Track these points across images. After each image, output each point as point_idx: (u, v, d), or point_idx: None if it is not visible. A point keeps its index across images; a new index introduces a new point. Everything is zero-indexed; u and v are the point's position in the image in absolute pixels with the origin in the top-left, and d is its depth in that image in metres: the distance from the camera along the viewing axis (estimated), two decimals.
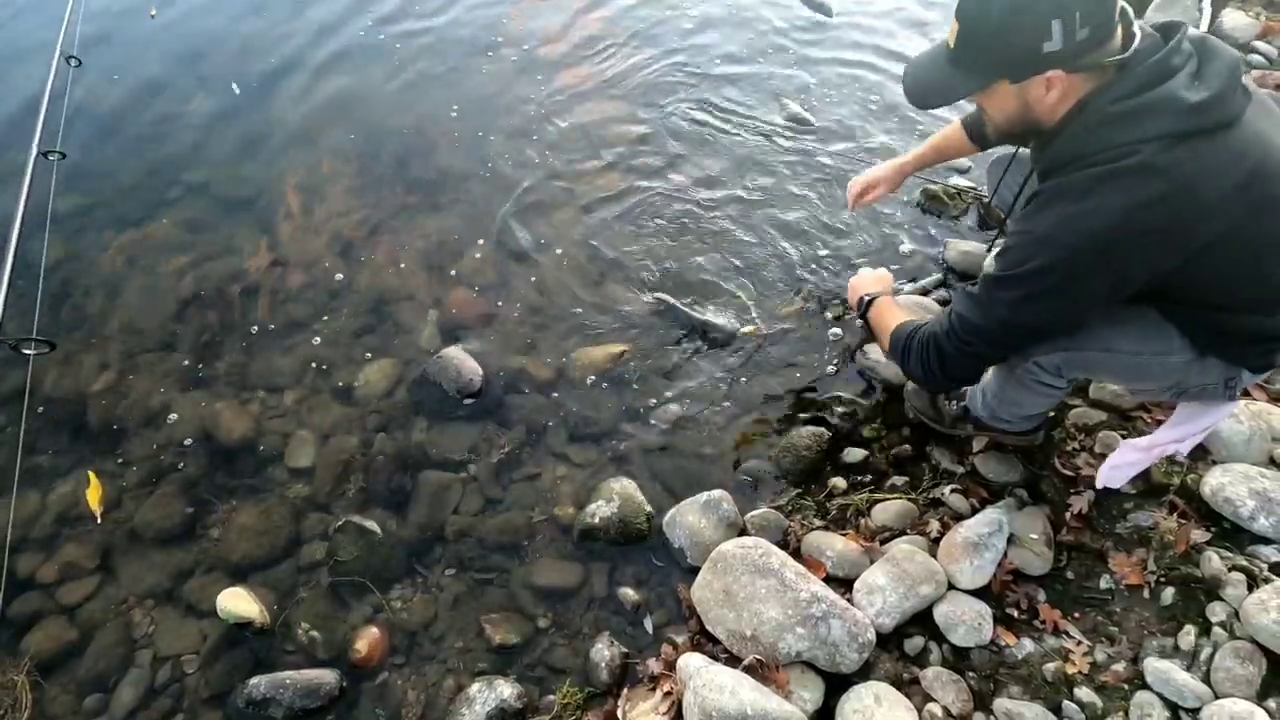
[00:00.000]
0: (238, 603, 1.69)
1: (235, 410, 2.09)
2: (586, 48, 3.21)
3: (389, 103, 2.98)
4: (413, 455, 1.99)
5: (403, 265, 2.42)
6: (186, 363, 2.20)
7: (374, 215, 2.58)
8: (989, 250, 2.08)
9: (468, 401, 2.07)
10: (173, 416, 2.08)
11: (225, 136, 2.86)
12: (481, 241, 2.48)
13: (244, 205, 2.63)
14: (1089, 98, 1.23)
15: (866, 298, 1.78)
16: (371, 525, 1.85)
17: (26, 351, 1.50)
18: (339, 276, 2.40)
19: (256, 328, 2.27)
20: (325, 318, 2.29)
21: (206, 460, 2.00)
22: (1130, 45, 1.19)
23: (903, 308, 1.72)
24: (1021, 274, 1.27)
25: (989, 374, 1.66)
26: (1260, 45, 2.99)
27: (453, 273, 2.39)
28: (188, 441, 2.03)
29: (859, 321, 1.92)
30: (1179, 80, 1.17)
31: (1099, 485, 1.69)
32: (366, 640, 1.66)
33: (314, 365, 2.19)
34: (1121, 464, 1.66)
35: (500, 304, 2.31)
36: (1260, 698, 1.40)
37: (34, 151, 1.83)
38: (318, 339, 2.24)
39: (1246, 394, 1.80)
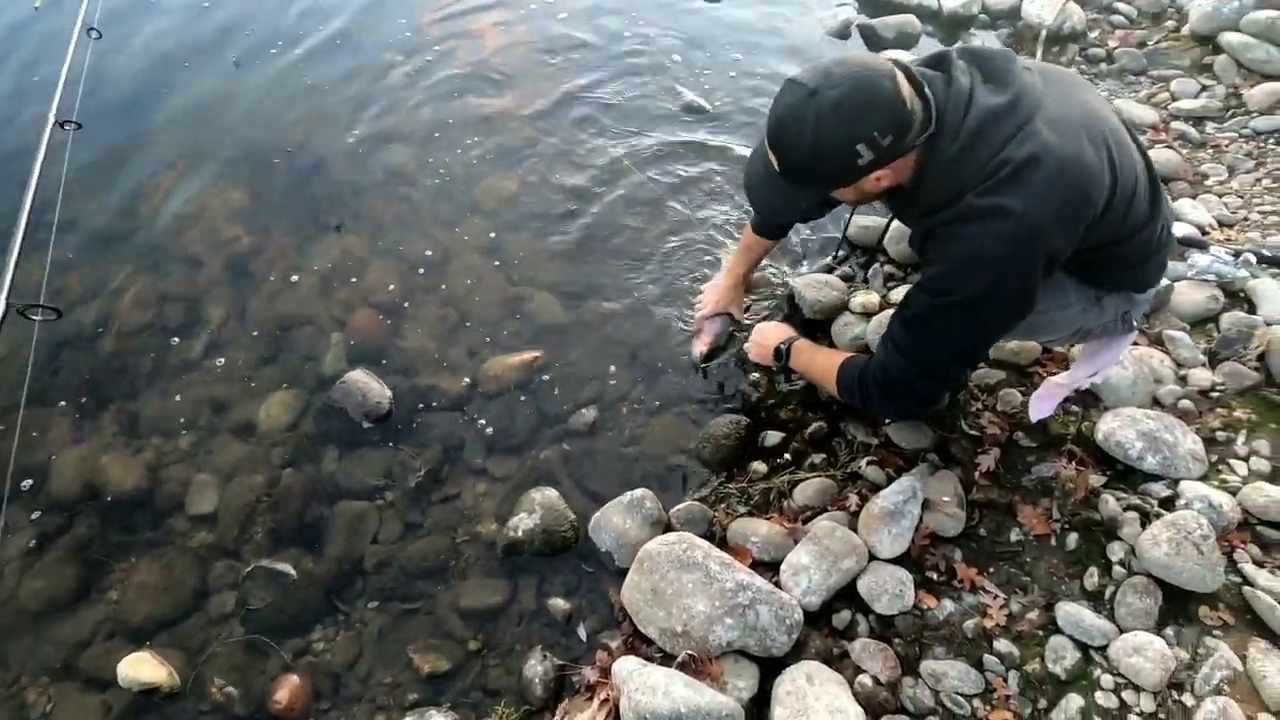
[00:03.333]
0: (142, 668, 1.59)
1: (125, 460, 1.95)
2: (478, 44, 3.12)
3: (277, 117, 2.83)
4: (324, 487, 1.91)
5: (300, 289, 2.31)
6: (64, 405, 2.04)
7: (266, 238, 2.44)
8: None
9: (377, 425, 1.99)
10: (55, 473, 1.92)
11: (89, 163, 2.64)
12: (381, 257, 2.38)
13: (121, 238, 2.45)
14: (925, 157, 1.28)
15: (783, 347, 1.82)
16: (284, 567, 1.76)
17: (34, 318, 1.52)
18: (233, 305, 2.26)
19: (144, 368, 2.13)
20: (220, 351, 2.16)
21: (97, 517, 1.86)
22: (931, 111, 1.25)
23: (822, 349, 1.77)
24: (978, 292, 1.30)
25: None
26: (1121, 6, 3.15)
27: (354, 292, 2.29)
28: (74, 499, 1.88)
29: (783, 374, 1.98)
30: (979, 94, 1.25)
31: (1032, 419, 1.78)
32: (287, 689, 1.58)
33: (210, 403, 2.06)
34: (1046, 396, 1.78)
35: (405, 320, 2.23)
36: (1159, 627, 1.48)
37: (51, 121, 1.81)
38: (213, 375, 2.12)
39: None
